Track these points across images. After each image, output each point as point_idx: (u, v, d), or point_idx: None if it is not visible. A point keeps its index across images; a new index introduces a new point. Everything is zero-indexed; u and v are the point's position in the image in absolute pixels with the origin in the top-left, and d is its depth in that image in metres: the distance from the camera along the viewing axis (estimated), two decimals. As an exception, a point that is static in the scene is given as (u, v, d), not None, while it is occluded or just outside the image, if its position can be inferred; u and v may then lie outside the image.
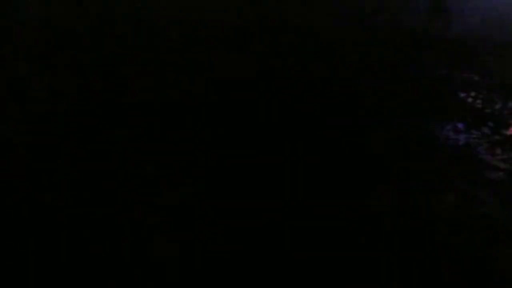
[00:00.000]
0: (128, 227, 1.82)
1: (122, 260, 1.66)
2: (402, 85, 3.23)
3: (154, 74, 3.35)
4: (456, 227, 1.83)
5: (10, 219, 1.83)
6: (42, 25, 3.84)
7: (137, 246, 1.73)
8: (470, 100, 2.77)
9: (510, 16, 7.95)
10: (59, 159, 2.21)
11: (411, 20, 7.43)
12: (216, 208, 1.97)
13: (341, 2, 8.27)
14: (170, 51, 3.96)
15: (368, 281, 1.60)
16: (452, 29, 6.54)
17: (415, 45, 5.29)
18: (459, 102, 2.74)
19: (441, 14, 6.72)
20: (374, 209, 1.93)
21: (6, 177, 2.07)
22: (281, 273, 1.63)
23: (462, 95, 2.80)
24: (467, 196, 2.01)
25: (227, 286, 1.57)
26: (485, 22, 7.30)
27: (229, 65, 3.69)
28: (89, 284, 1.55)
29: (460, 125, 2.48)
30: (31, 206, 1.90)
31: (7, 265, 1.61)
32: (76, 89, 2.95)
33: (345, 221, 1.89)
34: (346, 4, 8.25)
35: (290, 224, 1.89)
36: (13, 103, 2.70)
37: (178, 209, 1.95)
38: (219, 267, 1.65)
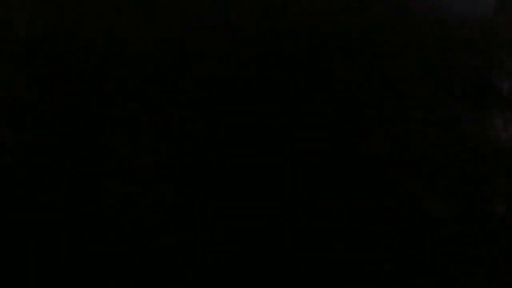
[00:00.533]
0: (128, 227, 1.82)
1: (122, 260, 1.66)
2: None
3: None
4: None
5: (10, 219, 1.83)
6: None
7: (137, 246, 1.73)
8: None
9: None
10: (59, 159, 2.21)
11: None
12: (216, 208, 1.97)
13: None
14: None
15: (368, 281, 1.60)
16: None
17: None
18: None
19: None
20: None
21: (6, 177, 2.08)
22: (281, 273, 1.63)
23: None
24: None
25: (227, 286, 1.58)
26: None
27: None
28: (89, 284, 1.55)
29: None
30: (31, 206, 1.90)
31: (7, 265, 1.61)
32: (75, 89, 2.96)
33: (345, 220, 1.89)
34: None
35: (290, 224, 1.89)
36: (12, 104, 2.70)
37: (178, 209, 1.95)
38: (219, 267, 1.65)
